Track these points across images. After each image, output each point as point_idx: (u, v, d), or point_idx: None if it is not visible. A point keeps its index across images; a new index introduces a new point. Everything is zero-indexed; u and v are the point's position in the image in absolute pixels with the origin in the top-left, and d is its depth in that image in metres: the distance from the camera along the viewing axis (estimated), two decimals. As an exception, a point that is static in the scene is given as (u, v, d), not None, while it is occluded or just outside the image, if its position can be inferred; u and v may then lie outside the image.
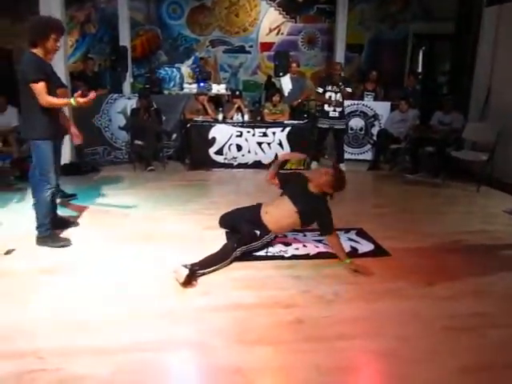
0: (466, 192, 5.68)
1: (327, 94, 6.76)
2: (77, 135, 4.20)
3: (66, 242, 3.68)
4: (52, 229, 3.74)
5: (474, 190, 5.69)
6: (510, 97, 5.88)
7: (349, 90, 6.85)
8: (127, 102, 7.00)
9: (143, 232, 4.02)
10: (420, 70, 10.42)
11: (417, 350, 2.40)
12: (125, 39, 9.35)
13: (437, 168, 6.34)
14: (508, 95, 5.94)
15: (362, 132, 7.45)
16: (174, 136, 7.17)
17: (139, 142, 6.56)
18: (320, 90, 6.87)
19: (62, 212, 4.48)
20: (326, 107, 6.81)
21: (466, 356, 2.35)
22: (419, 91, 8.17)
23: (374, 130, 7.32)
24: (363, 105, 7.45)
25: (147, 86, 8.69)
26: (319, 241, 3.82)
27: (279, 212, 3.55)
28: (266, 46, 10.44)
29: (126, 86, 9.34)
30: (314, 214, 3.54)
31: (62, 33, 3.56)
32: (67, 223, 4.11)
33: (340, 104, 6.75)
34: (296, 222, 3.56)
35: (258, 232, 3.49)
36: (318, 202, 3.52)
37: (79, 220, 4.31)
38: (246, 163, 6.63)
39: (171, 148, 7.20)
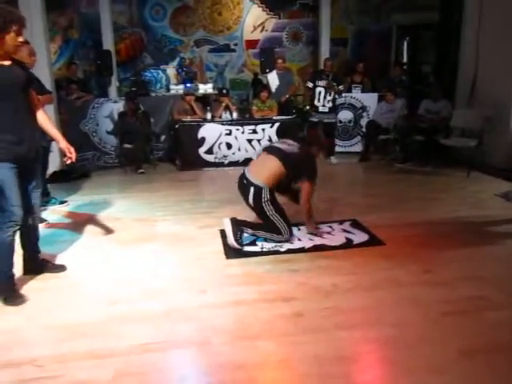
0: (456, 178, 5.72)
1: (317, 90, 6.78)
2: (69, 151, 3.08)
3: (20, 301, 2.84)
4: (27, 273, 3.15)
5: (465, 176, 5.73)
6: (496, 82, 5.93)
7: (341, 87, 6.87)
8: (114, 106, 6.95)
9: (138, 234, 4.00)
10: (405, 60, 10.46)
11: (415, 335, 2.41)
12: (108, 43, 9.28)
13: (426, 156, 6.37)
14: (493, 81, 5.98)
15: (351, 124, 7.46)
16: (163, 137, 7.14)
17: (128, 146, 6.52)
18: (310, 85, 6.90)
19: (54, 219, 4.46)
20: (316, 102, 6.83)
21: (464, 339, 2.36)
22: (406, 81, 8.21)
23: (363, 122, 7.34)
24: (351, 97, 7.46)
25: (133, 88, 8.64)
26: (314, 234, 3.83)
27: (261, 162, 3.71)
28: (251, 44, 10.43)
29: (113, 90, 9.28)
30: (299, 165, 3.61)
31: (24, 24, 2.72)
32: (50, 268, 3.26)
33: (329, 100, 6.78)
34: (281, 171, 3.57)
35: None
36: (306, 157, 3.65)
37: (72, 225, 4.28)
38: (237, 161, 6.62)
39: (161, 150, 7.17)
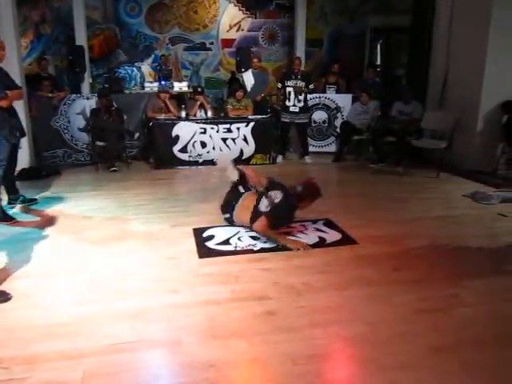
0: (426, 179, 5.83)
1: (287, 90, 6.81)
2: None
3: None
4: None
5: (435, 177, 5.85)
6: (465, 85, 6.08)
7: (311, 87, 6.91)
8: (86, 103, 6.81)
9: (110, 233, 3.93)
10: (379, 62, 10.62)
11: (388, 333, 2.44)
12: (81, 39, 9.11)
13: (398, 157, 6.48)
14: (463, 84, 6.13)
15: (326, 124, 7.52)
16: (137, 135, 7.04)
17: (101, 143, 6.41)
18: (279, 85, 6.96)
19: (22, 218, 4.34)
20: (287, 102, 6.86)
21: (435, 336, 2.41)
22: (379, 83, 8.32)
23: (337, 123, 7.40)
24: (325, 97, 7.52)
25: (107, 85, 8.49)
26: (287, 233, 3.83)
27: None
28: (227, 43, 10.41)
29: (85, 87, 9.09)
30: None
31: None
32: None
33: (300, 100, 6.81)
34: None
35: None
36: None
37: (41, 224, 4.17)
38: (212, 160, 6.59)
39: (134, 148, 7.06)
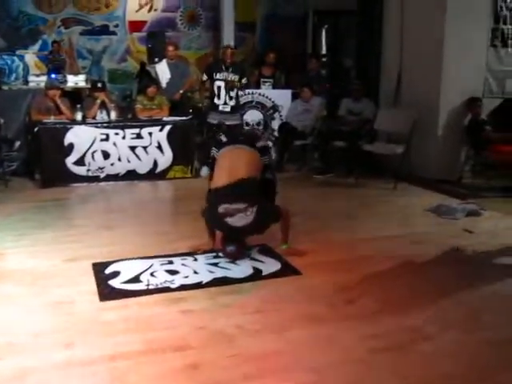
0: (382, 191, 6.10)
1: (216, 84, 6.87)
2: None
3: None
4: None
5: (391, 188, 6.12)
6: (423, 79, 6.42)
7: (244, 81, 7.02)
8: None
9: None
10: (324, 51, 10.97)
11: (340, 380, 2.49)
12: None
13: (349, 165, 6.70)
14: (420, 77, 6.46)
15: (261, 127, 7.65)
16: (18, 144, 6.82)
17: (-31, 155, 6.15)
18: (204, 78, 7.00)
19: None
20: (216, 100, 6.92)
21: (398, 378, 2.49)
22: (324, 76, 8.60)
23: (275, 125, 7.55)
24: (260, 94, 7.66)
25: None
26: (215, 264, 3.85)
27: None
28: (137, 26, 10.34)
29: None
30: None
31: None
32: None
33: (232, 97, 6.90)
34: None
35: None
36: None
37: None
38: (117, 174, 6.50)
39: (15, 160, 6.83)
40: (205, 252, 4.04)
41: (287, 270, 3.79)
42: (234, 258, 3.91)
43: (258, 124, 7.64)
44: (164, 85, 7.49)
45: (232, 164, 3.94)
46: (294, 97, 7.49)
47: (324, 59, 10.23)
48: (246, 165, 3.91)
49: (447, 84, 6.16)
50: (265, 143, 4.09)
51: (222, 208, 3.72)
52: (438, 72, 6.18)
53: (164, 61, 7.67)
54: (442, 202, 5.44)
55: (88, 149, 6.42)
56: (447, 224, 4.91)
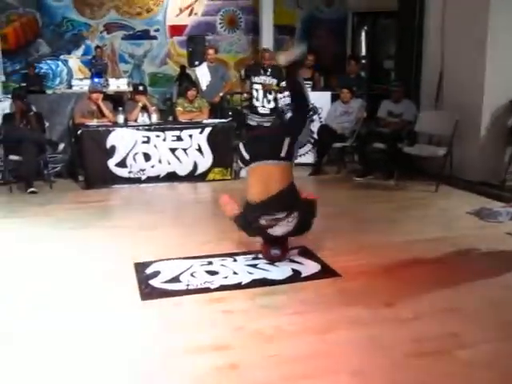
0: (423, 193, 5.98)
1: (254, 87, 6.90)
2: None
3: None
4: None
5: (433, 191, 6.01)
6: (466, 80, 6.27)
7: (283, 84, 7.02)
8: (-4, 107, 6.74)
9: (28, 271, 3.86)
10: (363, 53, 10.87)
11: (380, 384, 2.46)
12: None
13: (389, 168, 6.61)
14: (463, 78, 6.31)
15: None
16: (62, 147, 6.94)
17: (16, 158, 6.31)
18: (242, 76, 7.08)
19: None
20: (255, 102, 6.94)
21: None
22: (364, 78, 8.53)
23: (314, 127, 7.51)
24: (299, 97, 7.63)
25: (23, 84, 8.41)
26: (254, 265, 3.85)
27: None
28: (177, 30, 10.49)
29: (-4, 87, 8.99)
30: None
31: None
32: None
33: (270, 100, 6.92)
34: None
35: None
36: None
37: None
38: (158, 176, 6.57)
39: (59, 162, 6.98)
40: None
41: (326, 272, 3.78)
42: (278, 261, 3.91)
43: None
44: (204, 88, 7.54)
45: (266, 180, 3.83)
46: (334, 99, 7.43)
47: (363, 61, 10.14)
48: (279, 179, 3.81)
49: (490, 84, 6.01)
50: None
51: (263, 220, 3.71)
52: (481, 72, 6.04)
53: (204, 64, 7.74)
54: (485, 205, 5.32)
55: (129, 151, 6.50)
56: (490, 227, 4.80)
